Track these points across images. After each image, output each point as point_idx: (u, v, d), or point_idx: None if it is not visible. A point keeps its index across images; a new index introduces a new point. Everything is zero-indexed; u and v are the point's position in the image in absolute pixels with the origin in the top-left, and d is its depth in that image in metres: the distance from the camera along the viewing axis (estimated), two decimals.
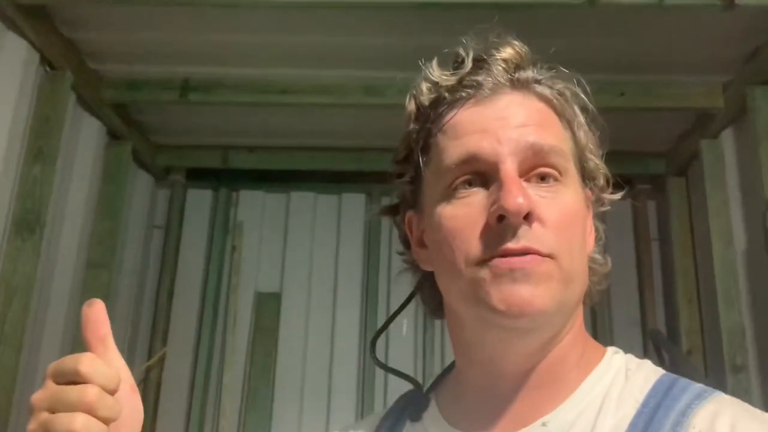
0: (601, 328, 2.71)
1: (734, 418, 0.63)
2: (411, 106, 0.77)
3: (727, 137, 2.35)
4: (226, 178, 2.87)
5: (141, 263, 2.79)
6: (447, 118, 0.72)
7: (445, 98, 0.73)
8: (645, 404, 0.66)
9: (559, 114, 0.74)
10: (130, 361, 2.59)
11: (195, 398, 2.67)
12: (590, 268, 0.75)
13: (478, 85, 0.72)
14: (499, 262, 0.65)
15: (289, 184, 2.85)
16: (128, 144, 2.55)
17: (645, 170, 2.71)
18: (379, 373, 2.65)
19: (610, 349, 0.76)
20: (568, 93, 0.76)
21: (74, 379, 0.59)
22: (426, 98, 0.75)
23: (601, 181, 0.78)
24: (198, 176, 2.89)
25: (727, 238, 2.27)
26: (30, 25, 1.96)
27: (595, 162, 0.77)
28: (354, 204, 2.85)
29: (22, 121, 2.01)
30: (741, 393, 2.07)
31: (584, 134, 0.76)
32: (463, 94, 0.72)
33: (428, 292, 0.80)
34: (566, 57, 2.34)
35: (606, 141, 0.79)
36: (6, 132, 1.94)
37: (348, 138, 2.67)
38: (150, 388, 2.71)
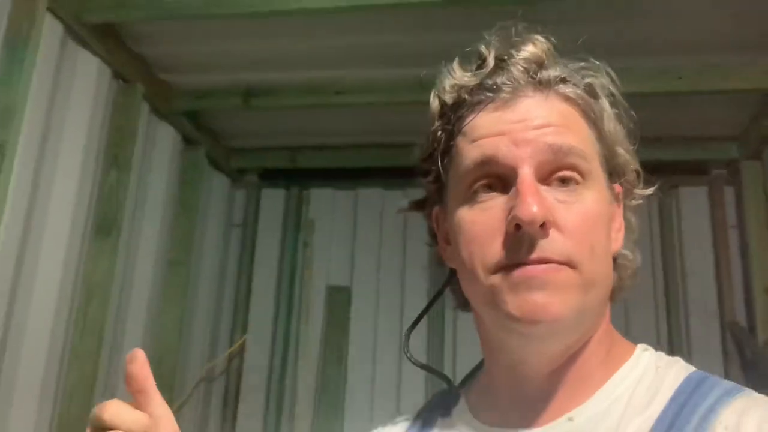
0: (675, 321, 2.63)
1: (763, 415, 0.62)
2: (434, 104, 0.77)
3: None
4: (296, 177, 2.99)
5: (221, 260, 2.96)
6: (467, 120, 0.72)
7: (465, 100, 0.73)
8: (673, 400, 0.66)
9: (584, 113, 0.72)
10: (212, 352, 2.80)
11: (272, 386, 2.82)
12: (619, 265, 0.75)
13: (498, 88, 0.71)
14: (514, 272, 0.65)
15: (356, 181, 2.93)
16: (202, 148, 2.71)
17: (719, 155, 2.59)
18: (447, 363, 2.69)
19: (640, 347, 0.75)
20: (597, 85, 0.74)
21: (102, 426, 0.62)
22: (448, 97, 0.75)
23: (632, 176, 0.76)
24: (271, 176, 3.03)
25: None
26: (100, 43, 2.13)
27: (625, 156, 0.75)
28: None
29: (97, 132, 2.19)
30: None
31: (613, 128, 0.74)
32: (483, 97, 0.71)
33: (458, 286, 0.79)
34: (618, 42, 2.31)
35: (638, 131, 0.78)
36: (83, 143, 2.12)
37: (411, 134, 2.71)
38: (232, 377, 2.88)
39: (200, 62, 2.38)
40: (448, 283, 0.83)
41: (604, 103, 0.74)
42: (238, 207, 3.05)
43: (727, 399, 0.64)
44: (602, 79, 0.75)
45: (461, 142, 0.72)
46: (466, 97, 0.73)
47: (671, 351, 2.45)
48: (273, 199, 3.02)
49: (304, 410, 2.74)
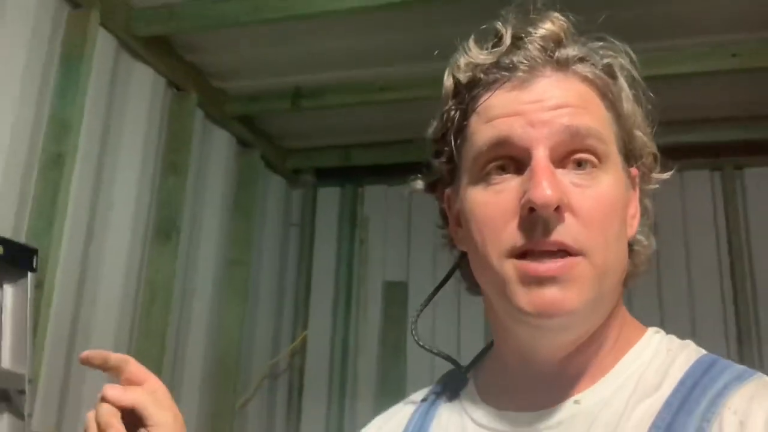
0: (744, 306, 2.53)
1: None
2: (448, 83, 0.74)
3: None
4: (351, 174, 3.03)
5: (280, 259, 3.03)
6: (481, 100, 0.70)
7: (480, 79, 0.70)
8: (682, 383, 0.65)
9: (602, 94, 0.70)
10: (274, 349, 2.87)
11: (334, 380, 2.88)
12: (633, 251, 0.73)
13: (514, 67, 0.68)
14: (527, 267, 0.64)
15: (409, 176, 2.94)
16: (257, 151, 2.78)
17: None
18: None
19: (651, 330, 0.74)
20: (616, 66, 0.72)
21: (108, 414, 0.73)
22: (463, 76, 0.72)
23: (649, 159, 0.74)
24: (326, 175, 3.08)
25: None
26: (153, 54, 2.22)
27: (643, 139, 0.73)
28: None
29: (154, 139, 2.28)
30: None
31: (632, 110, 0.72)
32: (498, 76, 0.69)
33: (469, 269, 0.76)
34: (667, 21, 2.24)
35: (656, 113, 0.76)
36: (140, 150, 2.21)
37: None
38: (295, 373, 2.95)
39: (249, 67, 2.45)
40: (458, 266, 0.81)
41: (623, 84, 0.72)
42: (295, 206, 3.12)
43: (738, 383, 0.63)
44: (621, 60, 0.73)
45: (475, 122, 0.70)
46: (481, 76, 0.70)
47: (739, 337, 2.37)
48: (329, 198, 3.07)
49: (366, 403, 2.78)
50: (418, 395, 0.86)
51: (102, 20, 1.96)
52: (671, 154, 0.78)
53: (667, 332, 0.75)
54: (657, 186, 0.77)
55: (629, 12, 1.95)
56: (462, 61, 0.72)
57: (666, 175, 0.77)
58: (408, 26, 2.17)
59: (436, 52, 0.85)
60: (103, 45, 2.00)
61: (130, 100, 2.18)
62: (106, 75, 2.05)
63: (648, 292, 2.55)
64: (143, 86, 2.24)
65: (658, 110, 0.77)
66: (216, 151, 2.64)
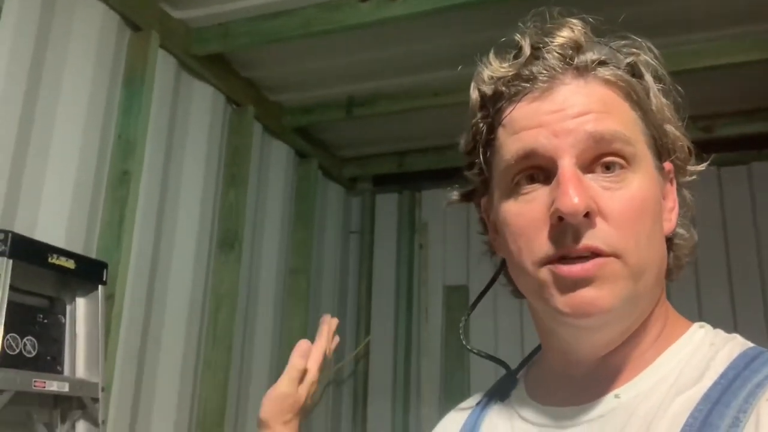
0: None
1: None
2: (474, 96, 0.75)
3: None
4: (408, 180, 3.06)
5: (341, 266, 3.08)
6: (506, 113, 0.71)
7: (503, 92, 0.71)
8: (723, 375, 0.64)
9: (626, 94, 0.70)
10: (338, 355, 2.91)
11: (398, 384, 2.91)
12: (675, 244, 0.73)
13: (534, 77, 0.69)
14: (561, 270, 0.65)
15: (464, 180, 2.95)
16: (314, 161, 2.84)
17: None
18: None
19: (696, 324, 0.73)
20: (641, 63, 0.72)
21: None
22: (487, 89, 0.73)
23: (683, 152, 0.74)
24: (383, 182, 3.12)
25: None
26: (211, 71, 2.30)
27: (674, 133, 0.73)
28: None
29: (215, 154, 2.36)
30: None
31: (660, 105, 0.72)
32: (520, 88, 0.70)
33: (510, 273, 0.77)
34: (703, 13, 2.19)
35: (686, 106, 0.74)
36: (202, 165, 2.30)
37: None
38: (359, 379, 2.99)
39: (303, 80, 2.51)
40: (501, 271, 0.82)
41: (649, 80, 0.72)
42: (354, 214, 3.17)
43: None
44: (645, 56, 0.72)
45: (502, 134, 0.71)
46: (504, 88, 0.71)
47: None
48: (387, 204, 3.11)
49: (431, 407, 2.80)
50: (473, 400, 0.87)
51: (161, 42, 2.05)
52: (711, 148, 0.77)
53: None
54: (694, 177, 0.76)
55: (649, 7, 1.93)
56: (485, 74, 0.73)
57: (702, 167, 0.76)
58: (455, 30, 2.19)
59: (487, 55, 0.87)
60: (163, 65, 2.09)
61: (191, 117, 2.27)
62: (167, 94, 2.13)
63: (687, 289, 2.49)
64: (203, 103, 2.33)
65: (687, 102, 0.77)
66: (275, 162, 2.71)
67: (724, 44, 2.09)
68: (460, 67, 0.96)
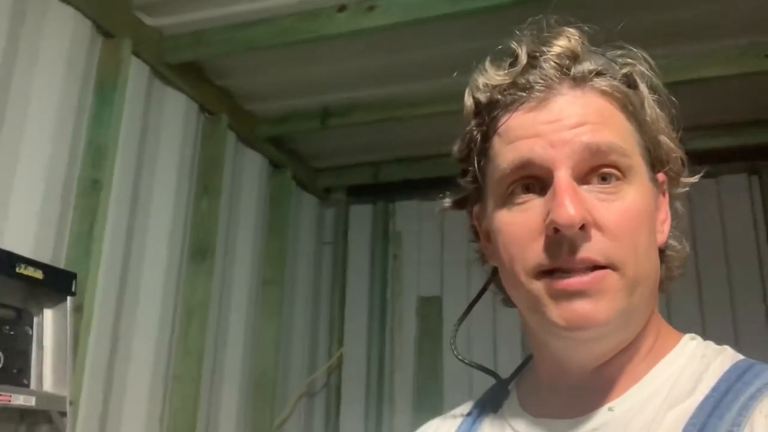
0: None
1: None
2: (469, 103, 0.75)
3: None
4: (382, 191, 3.05)
5: (314, 277, 3.06)
6: (501, 121, 0.70)
7: (498, 100, 0.71)
8: (715, 389, 0.64)
9: (623, 105, 0.70)
10: (310, 367, 2.88)
11: (371, 396, 2.88)
12: (667, 256, 0.73)
13: (531, 87, 0.69)
14: (558, 284, 0.64)
15: (440, 191, 2.95)
16: (288, 171, 2.82)
17: None
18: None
19: (687, 336, 0.74)
20: (636, 73, 0.72)
21: None
22: (482, 96, 0.72)
23: (676, 164, 0.74)
24: (357, 192, 3.11)
25: None
26: (184, 79, 2.27)
27: (668, 145, 0.73)
28: None
29: (187, 163, 2.33)
30: None
31: (655, 117, 0.72)
32: (516, 97, 0.69)
33: (502, 282, 0.76)
34: (699, 24, 2.22)
35: (680, 118, 0.75)
36: (174, 174, 2.26)
37: None
38: (332, 391, 2.96)
39: (278, 89, 2.49)
40: (491, 281, 0.82)
41: (644, 91, 0.72)
42: (328, 225, 3.15)
43: None
44: (641, 67, 0.73)
45: (497, 143, 0.71)
46: (499, 96, 0.71)
47: None
48: (361, 215, 3.10)
49: (404, 418, 2.78)
50: (463, 409, 0.86)
51: (134, 49, 2.01)
52: (707, 159, 0.77)
53: (709, 339, 0.74)
54: (687, 189, 0.77)
55: (657, 17, 1.95)
56: (480, 81, 0.73)
57: (695, 179, 0.77)
58: (433, 42, 2.19)
59: (465, 66, 0.86)
60: (136, 73, 2.06)
61: (164, 125, 2.23)
62: (139, 102, 2.10)
63: (688, 299, 2.52)
64: (176, 111, 2.29)
65: (681, 114, 0.77)
66: (248, 172, 2.68)
67: (693, 60, 2.12)
68: (442, 79, 0.95)
